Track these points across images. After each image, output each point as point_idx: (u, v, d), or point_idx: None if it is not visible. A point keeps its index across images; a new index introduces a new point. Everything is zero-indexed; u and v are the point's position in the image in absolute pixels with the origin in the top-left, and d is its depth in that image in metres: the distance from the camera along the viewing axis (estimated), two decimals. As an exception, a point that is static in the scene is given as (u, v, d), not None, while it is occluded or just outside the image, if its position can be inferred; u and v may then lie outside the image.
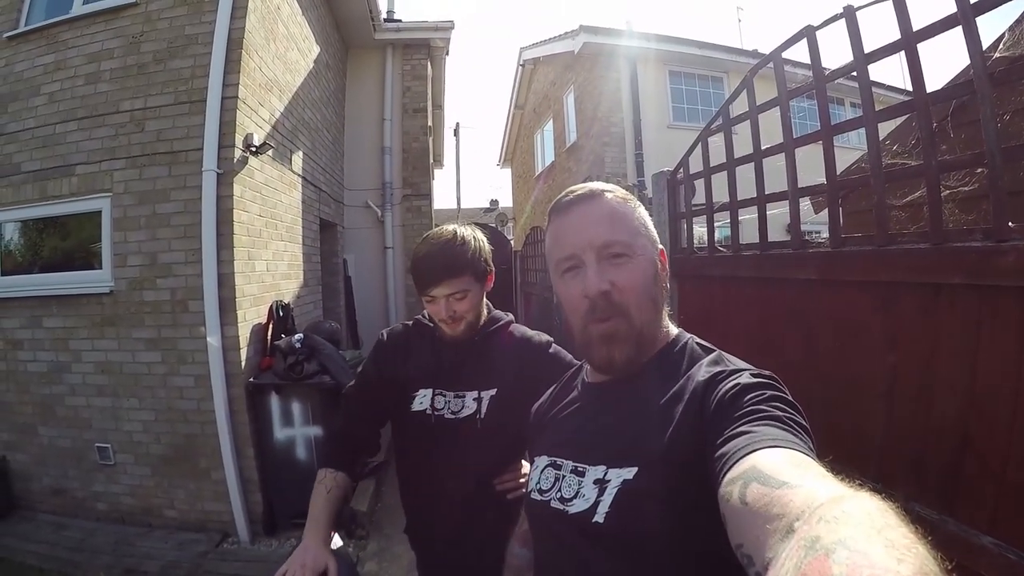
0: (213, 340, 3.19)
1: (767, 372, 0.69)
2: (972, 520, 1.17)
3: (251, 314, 3.49)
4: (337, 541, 1.22)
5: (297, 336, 3.46)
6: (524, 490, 1.18)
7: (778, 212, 2.01)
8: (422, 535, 1.42)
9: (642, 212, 0.83)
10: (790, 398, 0.65)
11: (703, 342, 0.82)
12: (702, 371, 0.72)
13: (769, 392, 0.64)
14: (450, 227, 1.29)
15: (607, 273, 0.76)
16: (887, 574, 0.29)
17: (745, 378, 0.67)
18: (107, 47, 3.53)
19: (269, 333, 3.64)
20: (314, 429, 3.40)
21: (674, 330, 0.85)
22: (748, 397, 0.63)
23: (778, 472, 0.48)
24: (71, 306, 3.49)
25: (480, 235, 1.31)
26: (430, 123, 7.01)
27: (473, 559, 1.26)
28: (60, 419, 3.56)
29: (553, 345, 1.35)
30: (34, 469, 3.66)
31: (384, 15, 6.63)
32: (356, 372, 1.50)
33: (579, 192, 0.82)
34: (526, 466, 1.27)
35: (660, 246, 0.84)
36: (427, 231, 1.42)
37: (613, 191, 0.82)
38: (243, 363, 3.32)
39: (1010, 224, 1.12)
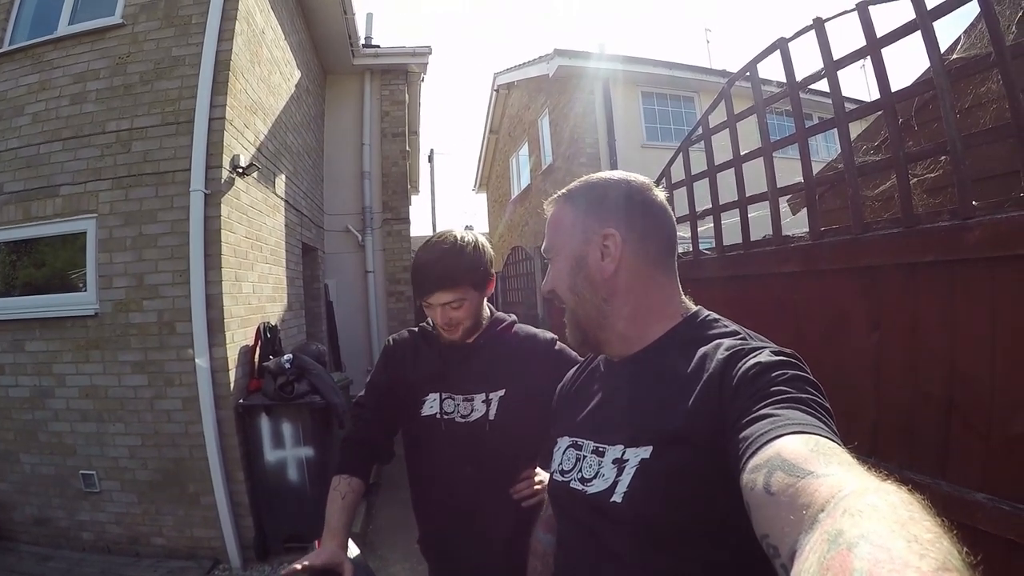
0: (201, 361, 3.14)
1: (788, 350, 0.68)
2: (964, 479, 1.24)
3: (239, 335, 3.45)
4: (353, 549, 1.20)
5: (287, 356, 3.42)
6: (539, 498, 1.17)
7: (757, 215, 2.09)
8: (436, 543, 1.40)
9: (578, 205, 0.84)
10: (812, 377, 0.64)
11: (722, 318, 0.82)
12: (722, 348, 0.71)
13: (791, 372, 0.63)
14: (453, 233, 1.29)
15: (549, 276, 0.87)
16: (907, 569, 0.29)
17: (765, 356, 0.65)
18: (93, 67, 3.53)
19: (257, 355, 3.60)
20: (305, 450, 3.35)
21: (692, 307, 0.84)
22: (770, 376, 0.62)
23: (803, 460, 0.47)
24: (55, 329, 3.42)
25: (482, 240, 1.31)
26: (407, 147, 7.04)
27: (489, 564, 1.24)
28: (43, 445, 3.45)
29: (558, 342, 1.34)
30: (16, 498, 3.54)
31: (363, 40, 6.68)
32: (359, 388, 1.49)
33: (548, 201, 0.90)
34: (541, 473, 1.25)
35: (607, 230, 0.80)
36: (407, 255, 1.43)
37: (558, 196, 0.87)
38: (232, 385, 3.27)
39: (974, 203, 1.23)
